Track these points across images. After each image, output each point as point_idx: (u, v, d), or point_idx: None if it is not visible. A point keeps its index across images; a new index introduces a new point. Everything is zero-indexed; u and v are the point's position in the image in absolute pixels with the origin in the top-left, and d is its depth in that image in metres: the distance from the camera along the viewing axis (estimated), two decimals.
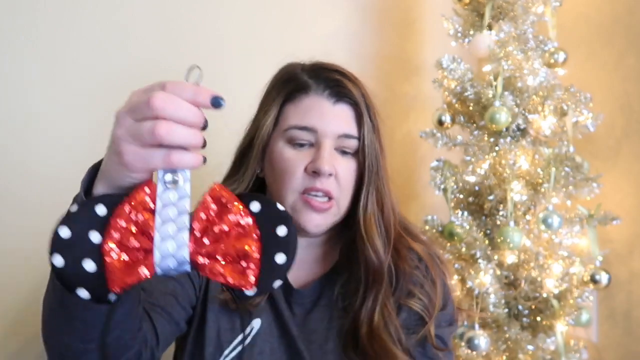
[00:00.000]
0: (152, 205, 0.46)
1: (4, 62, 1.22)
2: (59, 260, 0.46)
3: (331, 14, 1.64)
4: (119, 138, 0.46)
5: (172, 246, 0.45)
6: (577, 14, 1.55)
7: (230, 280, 0.46)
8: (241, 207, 0.47)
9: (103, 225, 0.46)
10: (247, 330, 0.75)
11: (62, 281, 0.47)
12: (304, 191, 0.77)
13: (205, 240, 0.46)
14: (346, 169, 0.79)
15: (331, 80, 0.80)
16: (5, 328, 1.20)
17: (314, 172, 0.77)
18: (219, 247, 0.46)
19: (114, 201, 0.47)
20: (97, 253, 0.46)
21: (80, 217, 0.47)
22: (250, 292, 0.47)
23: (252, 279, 0.46)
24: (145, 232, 0.46)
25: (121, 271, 0.45)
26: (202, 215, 0.47)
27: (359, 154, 0.80)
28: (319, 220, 0.78)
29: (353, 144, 0.79)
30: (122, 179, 0.47)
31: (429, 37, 1.76)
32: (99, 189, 0.49)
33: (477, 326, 1.25)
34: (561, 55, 1.33)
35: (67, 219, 0.47)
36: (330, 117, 0.78)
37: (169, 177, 0.46)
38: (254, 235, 0.47)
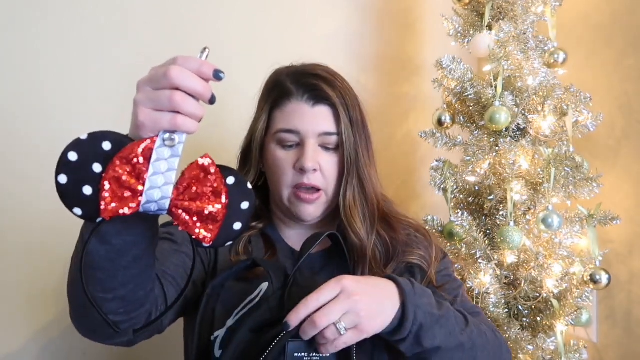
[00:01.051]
0: (149, 155, 0.54)
1: (8, 61, 1.22)
2: (63, 179, 0.54)
3: (331, 14, 1.64)
4: (138, 102, 0.54)
5: (157, 194, 0.55)
6: (577, 14, 1.55)
7: (196, 232, 0.57)
8: (220, 177, 0.56)
9: (105, 159, 0.54)
10: (256, 292, 0.81)
11: (63, 198, 0.54)
12: (296, 186, 0.88)
13: (184, 196, 0.56)
14: (329, 162, 0.89)
15: (309, 85, 0.89)
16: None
17: (300, 170, 0.87)
18: (194, 204, 0.56)
19: (119, 140, 0.55)
20: (96, 181, 0.54)
21: (88, 146, 0.54)
22: (206, 245, 0.57)
23: (210, 236, 0.57)
24: (139, 176, 0.54)
25: (112, 202, 0.54)
26: (187, 175, 0.56)
27: (339, 148, 0.89)
28: (312, 210, 0.90)
29: (333, 139, 0.89)
30: (134, 137, 0.56)
31: (429, 37, 1.76)
32: None
33: None
34: (561, 55, 1.33)
35: (76, 146, 0.54)
36: (310, 119, 0.88)
37: (167, 136, 0.54)
38: (223, 202, 0.57)
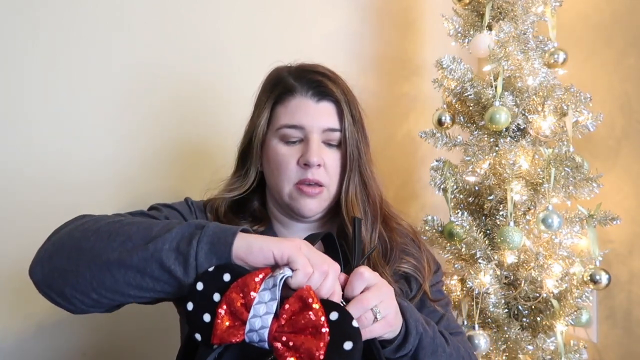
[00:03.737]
0: (259, 287, 0.57)
1: (4, 63, 1.22)
2: (190, 306, 0.59)
3: (331, 14, 1.64)
4: (300, 250, 0.61)
5: (258, 323, 0.56)
6: (577, 14, 1.55)
7: None
8: (321, 312, 0.56)
9: (224, 289, 0.58)
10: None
11: (188, 323, 0.60)
12: (298, 182, 0.87)
13: (284, 328, 0.56)
14: (332, 158, 0.88)
15: (314, 82, 0.89)
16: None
17: (305, 165, 0.86)
18: (292, 338, 0.56)
19: (238, 272, 0.59)
20: (214, 309, 0.58)
21: (212, 277, 0.60)
22: None
23: None
24: (247, 307, 0.57)
25: (222, 331, 0.57)
26: (288, 307, 0.57)
27: (342, 145, 0.89)
28: (313, 205, 0.88)
29: (336, 136, 0.88)
30: (257, 258, 0.62)
31: (429, 37, 1.76)
32: (238, 242, 0.62)
33: (477, 326, 1.25)
34: (561, 55, 1.33)
35: (203, 276, 0.60)
36: (315, 114, 0.87)
37: (282, 274, 0.58)
38: (324, 340, 0.55)
